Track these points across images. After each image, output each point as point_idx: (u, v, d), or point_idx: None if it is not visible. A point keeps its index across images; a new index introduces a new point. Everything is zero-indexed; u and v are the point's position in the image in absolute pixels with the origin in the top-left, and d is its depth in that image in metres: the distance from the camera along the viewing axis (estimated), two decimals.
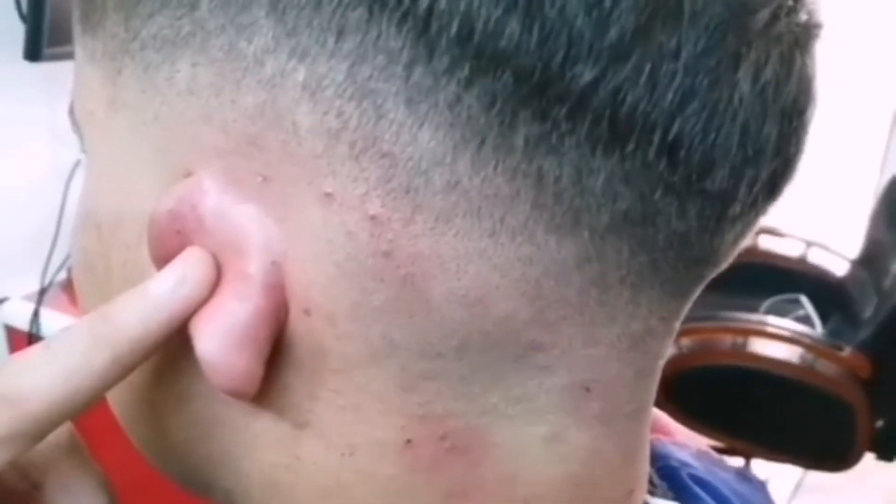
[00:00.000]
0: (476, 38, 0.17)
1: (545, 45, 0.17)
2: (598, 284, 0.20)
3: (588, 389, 0.21)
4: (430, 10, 0.17)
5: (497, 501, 0.22)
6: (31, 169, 1.28)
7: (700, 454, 0.31)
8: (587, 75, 0.17)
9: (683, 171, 0.19)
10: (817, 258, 2.17)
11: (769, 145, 0.20)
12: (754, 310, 1.82)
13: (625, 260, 0.20)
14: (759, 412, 1.67)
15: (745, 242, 0.23)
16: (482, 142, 0.17)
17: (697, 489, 0.27)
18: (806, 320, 1.81)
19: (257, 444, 0.22)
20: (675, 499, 0.26)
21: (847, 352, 1.61)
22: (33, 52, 1.12)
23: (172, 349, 0.21)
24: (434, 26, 0.17)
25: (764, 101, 0.19)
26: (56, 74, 1.17)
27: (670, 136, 0.18)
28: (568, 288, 0.19)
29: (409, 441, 0.21)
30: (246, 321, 0.19)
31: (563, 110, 0.17)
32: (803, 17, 0.20)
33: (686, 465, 0.28)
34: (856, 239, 2.17)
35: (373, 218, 0.18)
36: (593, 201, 0.18)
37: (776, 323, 1.68)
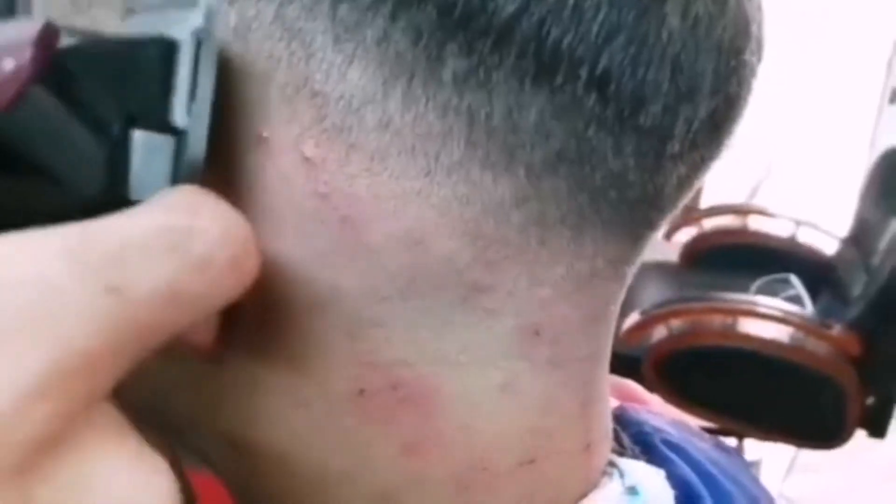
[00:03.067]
0: None
1: None
2: (538, 223, 0.20)
3: (537, 333, 0.21)
4: None
5: (454, 453, 0.21)
6: None
7: (676, 423, 0.31)
8: (509, 7, 0.17)
9: (615, 106, 0.19)
10: (807, 238, 2.18)
11: (704, 82, 0.20)
12: (744, 290, 1.83)
13: (563, 199, 0.19)
14: (750, 392, 1.68)
15: (693, 188, 0.23)
16: (411, 78, 0.18)
17: (670, 453, 0.27)
18: (796, 300, 1.81)
19: (221, 404, 0.22)
20: (647, 461, 0.26)
21: (837, 330, 1.61)
22: None
23: None
24: None
25: (696, 36, 0.19)
26: None
27: (598, 70, 0.18)
28: (507, 227, 0.19)
29: (361, 391, 0.20)
30: None
31: (488, 43, 0.17)
32: None
33: (660, 430, 0.28)
34: (845, 218, 2.18)
35: (307, 160, 0.18)
36: (526, 138, 0.18)
37: (766, 303, 1.69)
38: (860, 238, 2.03)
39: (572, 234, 0.20)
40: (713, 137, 0.21)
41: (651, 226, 0.23)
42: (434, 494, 0.22)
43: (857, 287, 1.85)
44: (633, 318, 1.70)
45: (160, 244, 0.15)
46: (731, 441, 1.73)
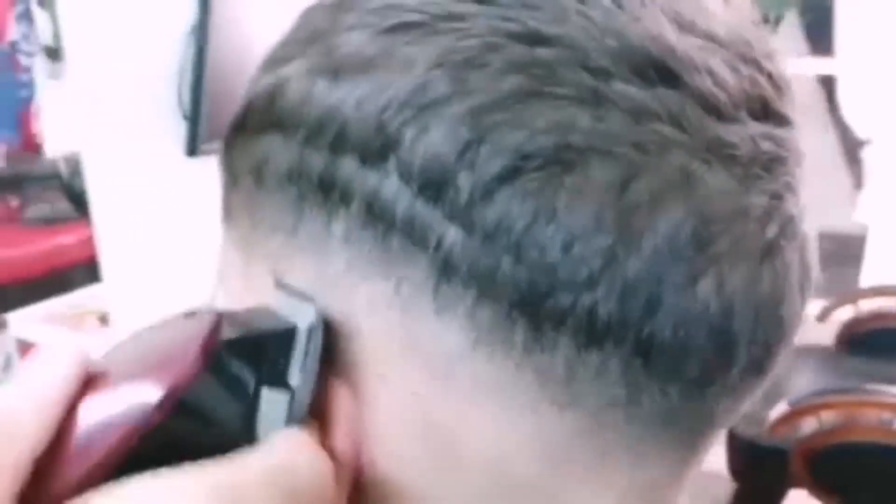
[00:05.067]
0: (478, 274, 0.22)
1: (531, 281, 0.22)
2: (600, 449, 0.24)
3: None
4: (446, 261, 0.22)
5: None
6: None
7: None
8: (565, 301, 0.22)
9: (658, 362, 0.23)
10: None
11: (741, 339, 0.23)
12: None
13: (620, 428, 0.24)
14: None
15: (745, 404, 0.26)
16: (492, 342, 0.22)
17: None
18: None
19: None
20: None
21: None
22: (192, 148, 1.25)
23: None
24: (450, 267, 0.22)
25: (730, 304, 0.23)
26: (213, 167, 1.30)
27: (643, 336, 0.22)
28: (574, 451, 0.24)
29: None
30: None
31: (550, 324, 0.22)
32: (773, 230, 0.23)
33: None
34: None
35: (414, 394, 0.23)
36: (585, 387, 0.23)
37: None
38: None
39: (631, 455, 0.24)
40: (754, 375, 0.25)
41: (703, 440, 0.26)
42: None
43: None
44: (781, 408, 1.64)
45: (268, 481, 0.22)
46: None
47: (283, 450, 0.22)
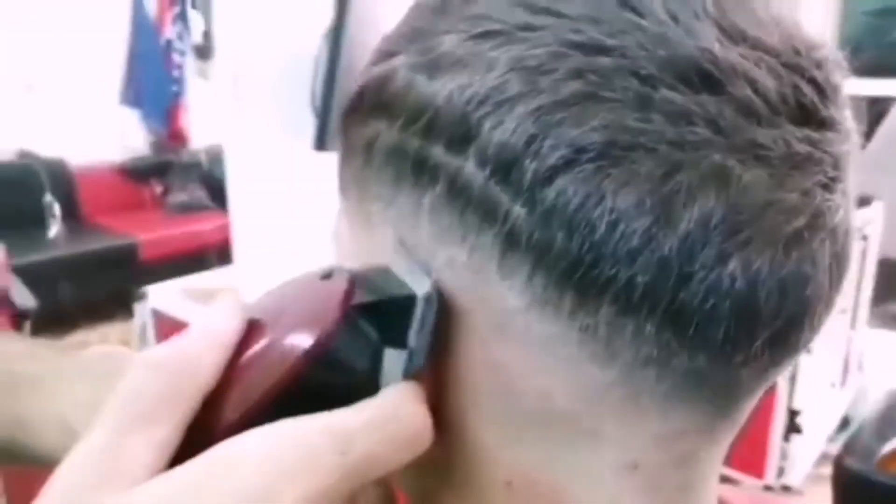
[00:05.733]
0: (536, 246, 0.26)
1: (580, 254, 0.25)
2: (632, 399, 0.28)
3: (636, 467, 0.29)
4: (510, 234, 0.26)
5: None
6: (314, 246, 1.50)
7: None
8: (608, 272, 0.25)
9: (687, 330, 0.26)
10: None
11: (762, 315, 0.27)
12: None
13: (651, 384, 0.28)
14: None
15: (772, 377, 0.29)
16: (544, 304, 0.27)
17: None
18: None
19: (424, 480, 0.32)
20: None
21: None
22: (320, 143, 1.34)
23: None
24: (514, 239, 0.26)
25: (756, 281, 0.26)
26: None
27: (674, 306, 0.26)
28: (609, 395, 0.28)
29: (509, 483, 0.30)
30: None
31: (594, 291, 0.26)
32: (801, 221, 0.26)
33: None
34: None
35: (481, 339, 0.28)
36: (622, 347, 0.27)
37: None
38: None
39: (659, 406, 0.28)
40: (779, 349, 0.28)
41: (733, 403, 0.30)
42: None
43: None
44: (894, 443, 1.57)
45: (377, 426, 0.27)
46: None
47: (394, 402, 0.28)
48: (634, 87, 0.26)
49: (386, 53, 0.30)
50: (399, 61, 0.29)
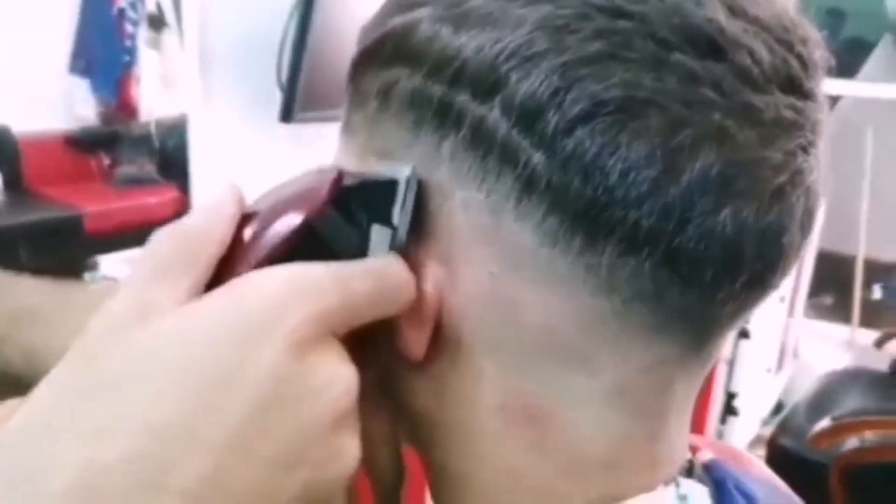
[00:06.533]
0: (553, 190, 0.28)
1: (594, 198, 0.28)
2: (626, 329, 0.31)
3: (622, 392, 0.32)
4: (529, 178, 0.29)
5: (561, 453, 0.33)
6: None
7: (767, 482, 0.40)
8: (617, 215, 0.28)
9: (682, 269, 0.29)
10: None
11: (747, 256, 0.30)
12: None
13: (644, 316, 0.31)
14: None
15: (746, 315, 0.33)
16: (555, 243, 0.30)
17: (736, 494, 0.35)
18: None
19: (420, 394, 0.35)
20: (713, 494, 0.35)
21: None
22: (287, 114, 1.35)
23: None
24: (532, 183, 0.29)
25: (743, 228, 0.29)
26: (302, 134, 1.40)
27: (672, 247, 0.29)
28: (606, 327, 0.31)
29: (503, 405, 0.33)
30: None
31: (602, 232, 0.29)
32: (783, 178, 0.29)
33: (737, 480, 0.36)
34: None
35: (490, 273, 0.31)
36: (622, 283, 0.30)
37: None
38: None
39: (649, 336, 0.32)
40: (756, 288, 0.31)
41: (710, 337, 0.33)
42: (546, 478, 0.33)
43: None
44: (824, 423, 1.66)
45: (367, 274, 0.29)
46: None
47: (384, 261, 0.30)
48: (651, 50, 0.28)
49: (406, 5, 0.33)
50: (424, 13, 0.31)
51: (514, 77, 0.29)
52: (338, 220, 0.30)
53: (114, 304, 0.27)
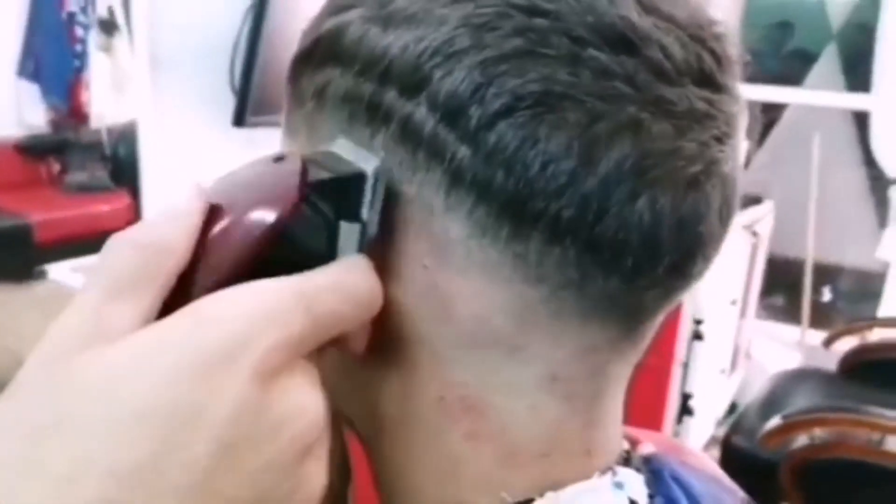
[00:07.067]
0: (478, 182, 0.29)
1: (517, 189, 0.29)
2: (556, 315, 0.32)
3: (555, 378, 0.33)
4: (456, 172, 0.29)
5: (496, 442, 0.33)
6: None
7: (707, 474, 0.40)
8: (539, 206, 0.29)
9: (603, 256, 0.30)
10: None
11: (664, 245, 0.31)
12: None
13: (573, 302, 0.31)
14: None
15: (671, 302, 0.33)
16: (483, 234, 0.30)
17: (672, 483, 0.36)
18: None
19: (361, 390, 0.35)
20: (650, 482, 0.35)
21: None
22: (239, 119, 1.34)
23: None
24: (459, 176, 0.29)
25: (660, 217, 0.30)
26: (255, 138, 1.39)
27: (593, 235, 0.30)
28: (536, 315, 0.32)
29: (441, 397, 0.33)
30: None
31: (527, 222, 0.29)
32: (697, 167, 0.30)
33: (674, 471, 0.37)
34: None
35: (423, 266, 0.31)
36: (549, 271, 0.30)
37: None
38: None
39: (579, 322, 0.32)
40: (677, 277, 0.32)
41: (638, 323, 0.33)
42: (484, 466, 0.33)
43: None
44: (775, 421, 1.69)
45: (334, 288, 0.28)
46: None
47: (350, 268, 0.30)
48: (566, 46, 0.29)
49: (340, 7, 0.33)
50: (355, 14, 0.32)
51: (437, 74, 0.30)
52: (306, 219, 0.29)
53: (65, 324, 0.25)
